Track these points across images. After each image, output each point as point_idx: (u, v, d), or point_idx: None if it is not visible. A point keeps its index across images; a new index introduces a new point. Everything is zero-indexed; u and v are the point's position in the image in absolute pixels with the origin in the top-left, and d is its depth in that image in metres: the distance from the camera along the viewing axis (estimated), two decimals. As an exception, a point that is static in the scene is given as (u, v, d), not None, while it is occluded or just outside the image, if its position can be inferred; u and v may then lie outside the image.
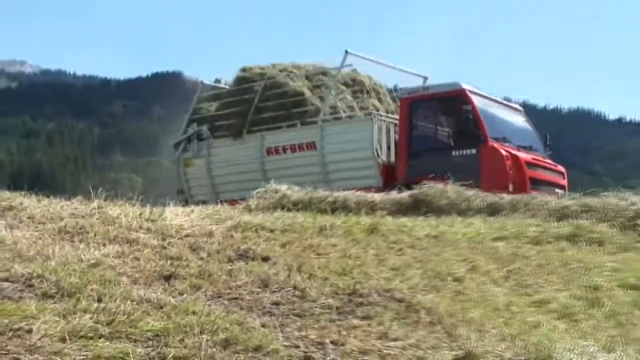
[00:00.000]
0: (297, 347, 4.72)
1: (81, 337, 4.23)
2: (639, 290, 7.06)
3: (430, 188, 13.39)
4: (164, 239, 7.06)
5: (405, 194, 13.52)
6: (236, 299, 5.63)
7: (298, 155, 20.34)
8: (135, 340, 4.39)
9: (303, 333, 5.00)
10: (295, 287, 5.99)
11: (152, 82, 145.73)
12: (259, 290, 5.87)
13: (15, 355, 3.89)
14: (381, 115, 19.99)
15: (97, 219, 7.37)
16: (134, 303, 4.99)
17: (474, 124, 18.32)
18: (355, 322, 5.37)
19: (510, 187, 17.29)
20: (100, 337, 4.27)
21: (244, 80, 22.30)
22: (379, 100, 21.59)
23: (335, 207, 12.66)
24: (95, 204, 7.81)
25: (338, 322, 5.33)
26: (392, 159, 19.26)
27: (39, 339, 4.12)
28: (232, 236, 7.58)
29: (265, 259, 6.85)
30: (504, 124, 19.39)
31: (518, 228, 9.91)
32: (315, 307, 5.61)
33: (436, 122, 20.11)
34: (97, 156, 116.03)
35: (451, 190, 13.25)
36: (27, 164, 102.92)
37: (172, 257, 6.52)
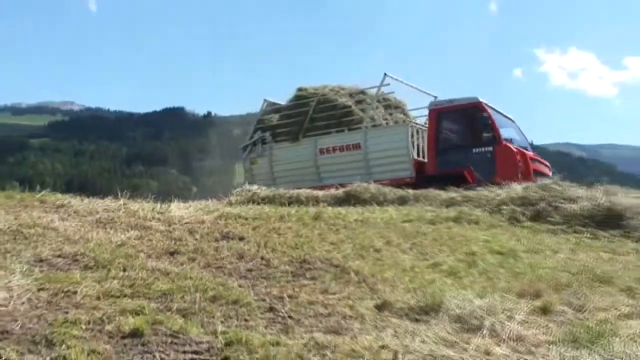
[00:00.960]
0: (264, 300, 4.79)
1: (111, 296, 4.35)
2: (502, 255, 7.11)
3: (358, 186, 13.38)
4: (169, 226, 7.05)
5: (340, 191, 13.50)
6: (220, 267, 5.66)
7: (346, 154, 19.62)
8: (149, 298, 4.41)
9: (268, 290, 5.04)
10: (262, 258, 6.02)
11: (163, 115, 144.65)
12: (236, 261, 5.89)
13: (65, 309, 3.98)
14: (413, 123, 19.62)
15: (122, 212, 7.43)
16: (148, 271, 5.03)
17: (490, 128, 17.80)
18: (305, 282, 5.42)
19: (520, 177, 16.50)
20: (125, 296, 4.38)
21: (301, 97, 21.47)
22: (404, 113, 21.24)
23: (292, 201, 12.59)
24: (121, 201, 7.90)
25: (293, 282, 5.39)
26: (419, 156, 18.62)
27: (82, 298, 4.22)
28: (218, 222, 7.55)
29: (241, 239, 6.82)
30: (508, 129, 18.70)
31: (419, 213, 9.96)
32: (277, 272, 5.65)
33: (459, 127, 19.13)
34: (124, 168, 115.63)
35: (372, 187, 13.31)
36: (76, 174, 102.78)
37: (175, 238, 6.51)
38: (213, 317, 4.23)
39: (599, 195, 9.32)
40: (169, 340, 3.73)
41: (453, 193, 11.85)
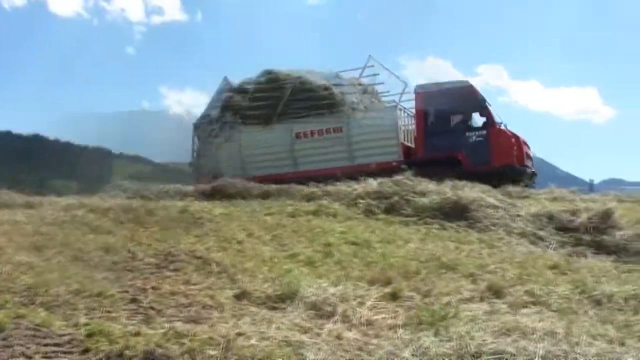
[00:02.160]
0: (127, 292, 4.84)
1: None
2: (357, 245, 7.39)
3: (225, 181, 13.53)
4: (40, 220, 6.94)
5: (207, 186, 13.63)
6: (87, 260, 5.66)
7: (325, 137, 18.63)
8: (14, 292, 4.43)
9: (132, 282, 5.11)
10: (128, 251, 6.05)
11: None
12: (103, 254, 5.90)
13: None
14: (401, 106, 18.76)
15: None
16: (14, 266, 5.00)
17: (484, 112, 17.50)
18: (168, 273, 5.52)
19: (515, 160, 16.93)
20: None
21: (273, 80, 20.13)
22: (377, 98, 20.13)
23: (161, 196, 12.53)
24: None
25: (157, 274, 5.46)
26: (405, 140, 18.12)
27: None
28: (86, 217, 7.50)
29: (109, 232, 6.84)
30: (495, 112, 18.19)
31: (280, 207, 10.23)
32: (141, 264, 5.71)
33: (449, 111, 18.30)
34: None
35: (238, 182, 13.46)
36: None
37: (44, 233, 6.42)
38: (76, 309, 4.25)
39: (447, 190, 9.98)
40: (31, 334, 3.72)
41: (314, 188, 12.17)
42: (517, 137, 17.19)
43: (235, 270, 5.78)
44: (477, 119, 17.68)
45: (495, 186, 13.80)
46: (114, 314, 4.28)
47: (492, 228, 8.49)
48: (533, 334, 4.05)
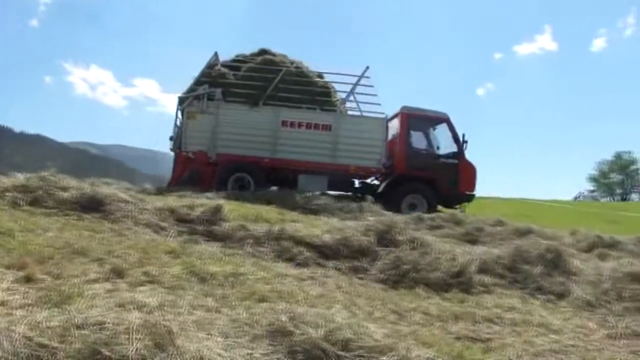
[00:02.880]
0: None
1: None
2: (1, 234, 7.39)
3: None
4: None
5: None
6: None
7: (312, 132, 18.86)
8: None
9: None
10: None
11: None
12: None
13: None
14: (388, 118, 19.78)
15: None
16: None
17: (457, 143, 19.38)
18: None
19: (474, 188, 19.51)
20: None
21: (268, 61, 19.48)
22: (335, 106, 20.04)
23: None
24: None
25: None
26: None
27: None
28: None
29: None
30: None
31: None
32: None
33: (428, 136, 20.27)
34: None
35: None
36: None
37: None
38: None
39: (86, 186, 10.72)
40: None
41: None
42: (475, 168, 19.61)
43: None
44: (450, 147, 19.68)
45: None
46: None
47: (123, 219, 9.32)
48: (144, 307, 4.72)
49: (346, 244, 9.17)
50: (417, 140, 20.37)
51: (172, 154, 19.61)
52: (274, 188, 18.88)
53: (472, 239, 12.42)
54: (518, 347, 5.54)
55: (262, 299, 5.93)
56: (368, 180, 20.67)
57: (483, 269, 8.71)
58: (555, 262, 9.01)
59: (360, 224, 10.10)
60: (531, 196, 41.96)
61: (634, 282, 8.17)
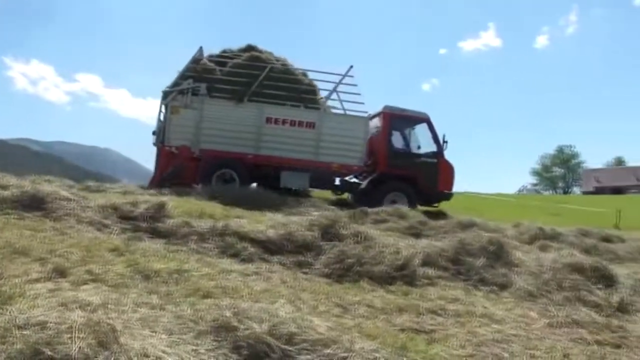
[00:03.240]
0: None
1: None
2: None
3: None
4: None
5: None
6: None
7: (296, 129, 19.07)
8: None
9: None
10: None
11: None
12: None
13: None
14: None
15: None
16: None
17: (436, 143, 20.03)
18: None
19: (452, 187, 20.20)
20: None
21: (255, 58, 19.53)
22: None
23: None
24: None
25: None
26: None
27: None
28: None
29: None
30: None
31: None
32: None
33: (409, 135, 20.79)
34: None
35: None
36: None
37: None
38: None
39: (27, 183, 10.52)
40: None
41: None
42: (453, 167, 20.27)
43: None
44: (429, 146, 20.26)
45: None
46: None
47: (65, 218, 9.18)
48: (87, 306, 4.68)
49: (290, 239, 9.18)
50: (398, 139, 20.95)
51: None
52: (254, 185, 19.12)
53: (416, 233, 12.64)
54: (461, 338, 5.65)
55: (206, 295, 5.94)
56: (347, 178, 20.85)
57: (427, 262, 8.83)
58: (497, 254, 9.23)
59: (304, 219, 10.15)
60: (476, 190, 42.67)
61: (574, 273, 8.42)
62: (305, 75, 20.47)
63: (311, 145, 19.34)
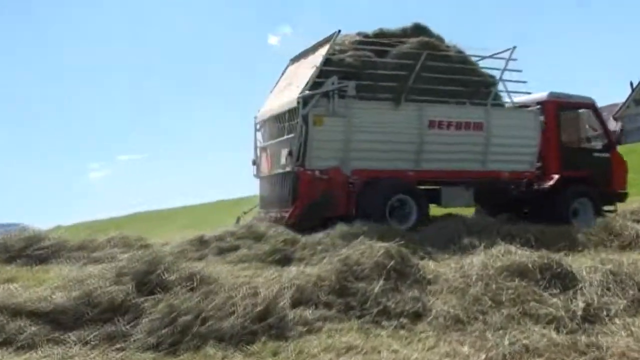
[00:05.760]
0: None
1: None
2: None
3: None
4: None
5: None
6: None
7: (462, 133, 14.69)
8: None
9: None
10: None
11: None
12: None
13: None
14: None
15: None
16: None
17: (606, 133, 17.10)
18: None
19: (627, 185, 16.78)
20: None
21: (425, 44, 14.80)
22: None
23: None
24: None
25: None
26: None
27: None
28: None
29: None
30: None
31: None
32: None
33: (577, 127, 16.75)
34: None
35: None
36: None
37: None
38: None
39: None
40: None
41: None
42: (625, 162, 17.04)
43: None
44: (596, 138, 16.93)
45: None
46: None
47: None
48: None
49: (91, 301, 6.21)
50: (571, 133, 17.00)
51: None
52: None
53: (281, 258, 9.67)
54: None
55: None
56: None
57: (300, 300, 6.34)
58: (401, 271, 6.55)
59: (108, 267, 6.95)
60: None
61: (515, 278, 6.00)
62: (474, 63, 16.08)
63: (478, 151, 15.17)
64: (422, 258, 7.24)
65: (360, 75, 14.24)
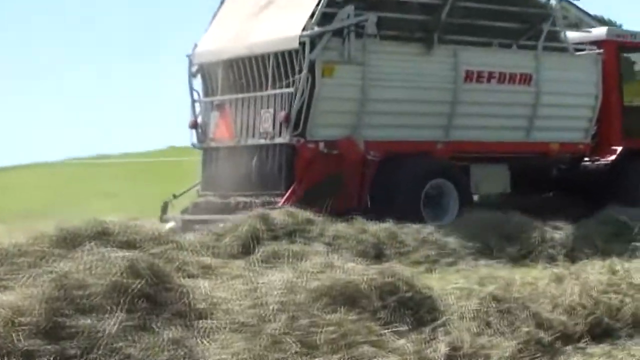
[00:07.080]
0: None
1: None
2: None
3: None
4: None
5: None
6: None
7: (506, 88, 10.73)
8: None
9: None
10: None
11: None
12: None
13: None
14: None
15: None
16: None
17: None
18: None
19: None
20: None
21: None
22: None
23: None
24: None
25: None
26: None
27: None
28: None
29: None
30: None
31: None
32: None
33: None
34: None
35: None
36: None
37: None
38: None
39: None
40: None
41: None
42: None
43: None
44: None
45: None
46: None
47: None
48: None
49: None
50: (631, 87, 12.80)
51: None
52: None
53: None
54: None
55: None
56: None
57: None
58: (153, 298, 4.13)
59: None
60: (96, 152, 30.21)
61: (336, 306, 3.82)
62: None
63: (524, 115, 11.41)
64: (190, 275, 4.66)
65: (381, 5, 10.58)
